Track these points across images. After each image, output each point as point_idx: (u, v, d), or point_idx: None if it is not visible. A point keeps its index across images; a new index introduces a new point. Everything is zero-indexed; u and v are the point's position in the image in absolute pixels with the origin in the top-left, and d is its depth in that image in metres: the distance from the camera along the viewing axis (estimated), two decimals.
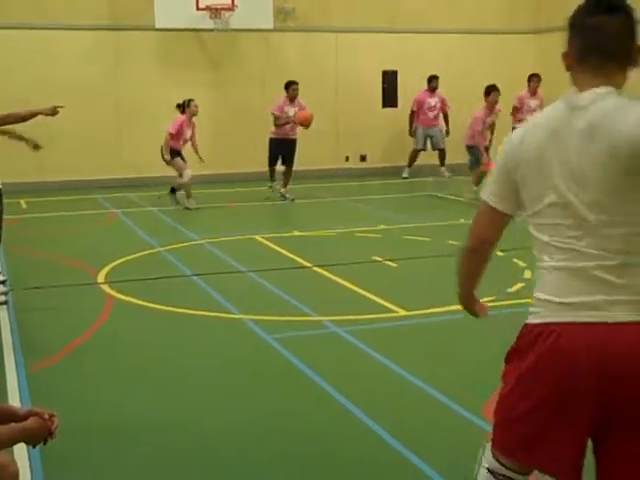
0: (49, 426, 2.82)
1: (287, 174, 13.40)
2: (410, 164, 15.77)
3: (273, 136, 13.41)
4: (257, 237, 10.00)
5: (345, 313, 6.71)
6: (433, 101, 15.59)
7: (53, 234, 10.80)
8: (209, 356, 5.83)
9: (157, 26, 14.87)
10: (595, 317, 2.43)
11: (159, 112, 15.40)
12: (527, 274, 7.95)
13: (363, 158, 16.82)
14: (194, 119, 12.75)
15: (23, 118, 7.09)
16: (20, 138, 7.39)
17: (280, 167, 13.55)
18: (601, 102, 2.43)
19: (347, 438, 4.42)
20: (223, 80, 15.84)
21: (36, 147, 7.44)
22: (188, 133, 12.69)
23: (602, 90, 2.45)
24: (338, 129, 16.33)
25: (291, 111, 13.25)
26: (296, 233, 10.41)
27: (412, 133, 15.70)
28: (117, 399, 5.03)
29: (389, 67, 16.85)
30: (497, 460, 2.71)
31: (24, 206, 13.08)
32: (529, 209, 2.58)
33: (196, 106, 12.69)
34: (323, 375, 5.29)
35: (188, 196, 12.56)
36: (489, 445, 2.76)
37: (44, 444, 2.86)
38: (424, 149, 15.77)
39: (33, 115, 7.19)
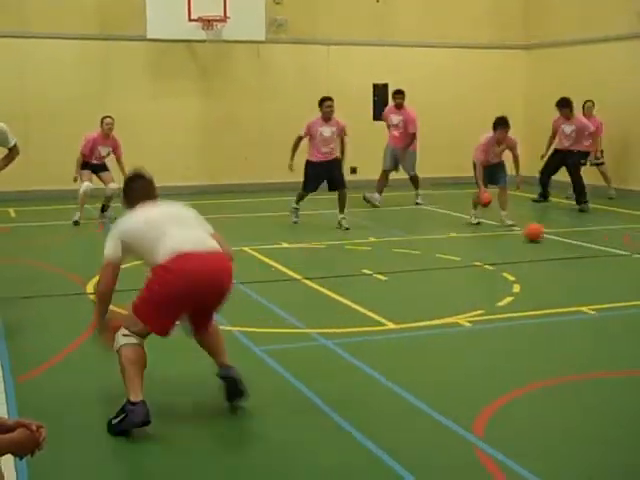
0: (37, 438, 2.80)
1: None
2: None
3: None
4: (246, 249, 9.98)
5: (334, 326, 6.71)
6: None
7: (42, 243, 10.76)
8: (196, 367, 5.80)
9: (148, 36, 14.86)
10: None
11: (149, 123, 15.41)
12: (516, 288, 7.98)
13: (353, 170, 16.80)
14: (118, 137, 12.48)
15: None
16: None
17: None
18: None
19: (335, 450, 4.41)
20: (214, 91, 15.85)
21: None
22: (103, 151, 12.32)
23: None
24: None
25: (327, 131, 11.95)
26: (285, 245, 10.40)
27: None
28: (105, 411, 5.01)
29: (380, 80, 16.91)
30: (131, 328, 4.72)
31: (13, 215, 13.03)
32: None
33: (108, 123, 12.27)
34: (311, 387, 5.28)
35: (80, 208, 12.02)
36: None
37: (31, 456, 2.85)
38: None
39: (6, 166, 7.41)
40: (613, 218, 12.76)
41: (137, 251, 4.86)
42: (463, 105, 16.98)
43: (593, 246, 10.27)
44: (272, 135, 16.12)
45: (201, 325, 5.00)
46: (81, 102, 14.93)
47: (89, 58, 15.15)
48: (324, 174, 11.96)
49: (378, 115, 16.48)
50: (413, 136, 14.08)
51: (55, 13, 14.78)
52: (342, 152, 12.29)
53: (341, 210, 11.99)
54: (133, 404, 4.53)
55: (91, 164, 12.28)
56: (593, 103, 14.63)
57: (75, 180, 12.16)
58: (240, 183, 15.92)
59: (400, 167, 14.46)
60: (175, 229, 4.75)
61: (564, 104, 13.62)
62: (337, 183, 12.02)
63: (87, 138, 12.22)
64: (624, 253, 9.85)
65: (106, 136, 12.31)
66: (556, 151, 13.87)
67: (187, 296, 4.65)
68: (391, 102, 14.67)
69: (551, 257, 9.71)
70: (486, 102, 16.22)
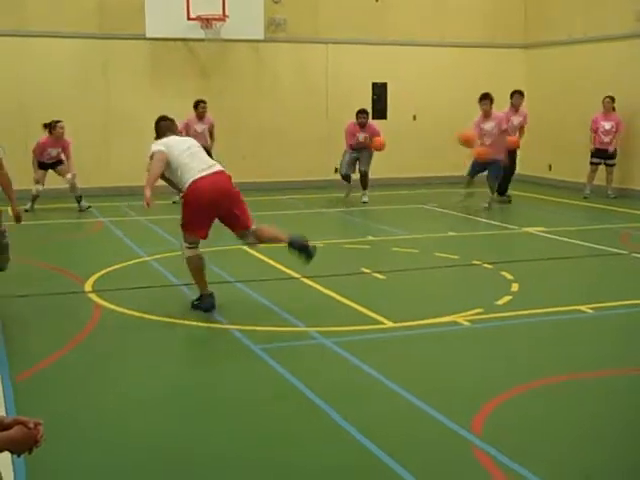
0: (34, 435, 2.79)
1: None
2: None
3: None
4: (245, 247, 9.98)
5: (332, 324, 6.71)
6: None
7: (40, 242, 10.76)
8: (195, 366, 5.82)
9: (148, 35, 14.87)
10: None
11: (148, 121, 15.36)
12: (515, 287, 7.98)
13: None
14: (69, 138, 13.27)
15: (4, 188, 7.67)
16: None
17: None
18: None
19: (333, 448, 4.41)
20: (213, 90, 15.83)
21: (18, 220, 7.95)
22: (53, 152, 13.21)
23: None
24: (327, 140, 16.35)
25: (200, 128, 14.01)
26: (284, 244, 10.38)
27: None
28: (102, 409, 5.01)
29: (379, 79, 16.91)
30: (187, 241, 7.00)
31: (11, 213, 12.99)
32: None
33: (61, 128, 13.04)
34: (310, 386, 5.28)
35: (31, 202, 13.10)
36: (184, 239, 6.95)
37: (29, 453, 2.84)
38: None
39: (10, 199, 7.95)
40: (612, 217, 12.77)
41: (169, 166, 7.00)
42: (462, 104, 16.95)
43: (591, 245, 10.27)
44: (270, 134, 16.15)
45: (234, 226, 7.18)
46: (81, 101, 14.95)
47: (89, 57, 15.15)
48: None
49: (378, 114, 16.51)
50: None
51: (55, 12, 14.79)
52: (211, 141, 14.23)
53: None
54: (202, 296, 7.02)
55: (45, 163, 13.25)
56: (612, 99, 14.60)
57: (36, 181, 13.14)
58: (237, 182, 15.86)
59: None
60: (190, 160, 7.02)
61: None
62: None
63: (38, 143, 13.12)
64: (622, 252, 9.86)
65: (56, 140, 13.13)
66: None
67: (208, 206, 6.90)
68: (354, 120, 14.42)
69: (550, 256, 9.71)
70: None
